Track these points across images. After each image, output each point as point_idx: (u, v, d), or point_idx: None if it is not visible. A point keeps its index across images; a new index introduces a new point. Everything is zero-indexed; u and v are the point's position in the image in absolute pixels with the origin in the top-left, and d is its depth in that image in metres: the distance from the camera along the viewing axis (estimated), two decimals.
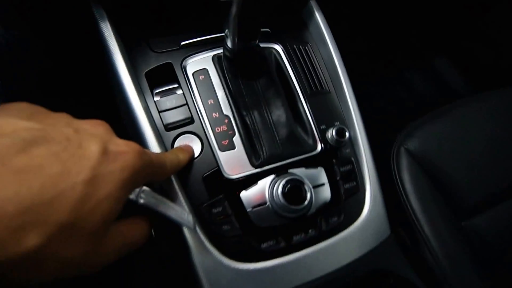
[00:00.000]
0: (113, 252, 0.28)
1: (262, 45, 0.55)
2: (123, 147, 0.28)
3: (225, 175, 0.48)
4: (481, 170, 0.63)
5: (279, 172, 0.50)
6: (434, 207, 0.59)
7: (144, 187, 0.34)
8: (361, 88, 0.59)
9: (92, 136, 0.27)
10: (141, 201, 0.33)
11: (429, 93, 1.18)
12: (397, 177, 0.60)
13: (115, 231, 0.28)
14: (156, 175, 0.35)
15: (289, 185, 0.47)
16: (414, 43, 1.21)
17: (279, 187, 0.47)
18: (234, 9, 0.41)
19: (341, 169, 0.53)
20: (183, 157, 0.43)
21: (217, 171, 0.48)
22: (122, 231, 0.30)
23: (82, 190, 0.24)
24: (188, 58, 0.52)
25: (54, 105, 0.32)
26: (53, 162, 0.23)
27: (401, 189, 0.59)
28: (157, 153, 0.35)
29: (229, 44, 0.47)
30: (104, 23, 0.48)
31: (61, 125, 0.27)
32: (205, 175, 0.48)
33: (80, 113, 0.33)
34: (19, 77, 0.57)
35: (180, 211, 0.39)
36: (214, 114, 0.50)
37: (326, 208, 0.50)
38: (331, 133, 0.52)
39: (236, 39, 0.46)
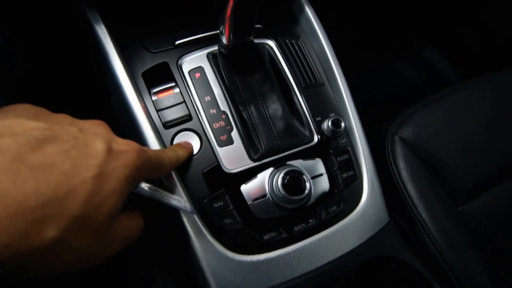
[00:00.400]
0: (117, 243, 0.30)
1: (255, 41, 0.56)
2: (124, 145, 0.30)
3: (225, 169, 0.49)
4: (475, 154, 0.64)
5: (277, 165, 0.50)
6: (430, 193, 0.60)
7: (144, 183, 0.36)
8: (352, 79, 0.60)
9: (96, 135, 0.29)
10: (146, 193, 0.36)
11: (420, 82, 1.19)
12: (393, 165, 0.61)
13: (118, 223, 0.30)
14: (155, 171, 0.37)
15: (288, 176, 0.48)
16: (404, 32, 1.22)
17: (279, 179, 0.48)
18: (229, 5, 0.41)
19: (338, 159, 0.54)
20: (182, 153, 0.44)
21: (217, 166, 0.49)
22: (123, 224, 0.32)
23: (91, 185, 0.25)
24: (183, 56, 0.52)
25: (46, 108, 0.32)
26: (64, 159, 0.24)
27: (397, 176, 0.60)
28: (155, 151, 0.37)
29: (224, 40, 0.48)
30: (99, 26, 0.49)
31: (66, 124, 0.29)
32: (205, 170, 0.48)
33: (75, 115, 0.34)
34: (7, 81, 0.57)
35: (178, 199, 0.41)
36: (211, 110, 0.51)
37: (325, 198, 0.51)
38: (327, 124, 0.53)
39: (231, 36, 0.46)
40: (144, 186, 0.37)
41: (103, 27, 0.49)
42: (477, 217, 0.61)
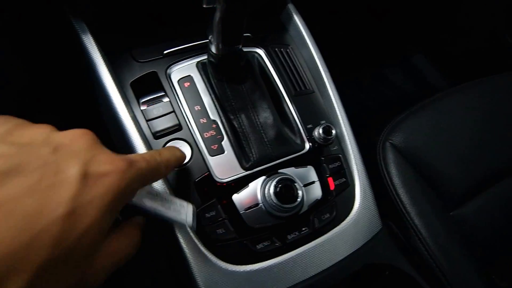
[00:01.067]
0: (103, 273, 0.27)
1: (244, 49, 0.56)
2: (106, 165, 0.26)
3: (216, 179, 0.48)
4: (466, 159, 0.65)
5: (269, 173, 0.50)
6: (423, 199, 0.60)
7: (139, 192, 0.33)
8: (342, 86, 0.60)
9: (71, 155, 0.25)
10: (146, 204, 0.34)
11: (409, 89, 1.21)
12: (385, 171, 0.62)
13: (104, 251, 0.27)
14: (149, 180, 0.33)
15: (280, 185, 0.47)
16: (393, 41, 1.25)
17: (271, 187, 0.48)
18: (217, 15, 0.42)
19: (330, 166, 0.54)
20: (180, 154, 0.41)
21: (208, 176, 0.48)
22: (111, 248, 0.28)
23: (62, 225, 0.22)
24: (172, 66, 0.52)
25: (35, 120, 0.31)
26: (29, 197, 0.21)
27: (389, 182, 0.61)
28: (148, 156, 0.32)
29: (213, 49, 0.48)
30: (86, 36, 0.48)
31: (39, 143, 0.25)
32: (196, 180, 0.48)
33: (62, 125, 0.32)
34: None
35: (179, 205, 0.39)
36: (201, 119, 0.50)
37: (318, 206, 0.51)
38: (318, 131, 0.53)
39: (220, 45, 0.47)
40: (141, 196, 0.33)
41: (90, 37, 0.48)
42: (469, 221, 0.62)
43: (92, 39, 0.48)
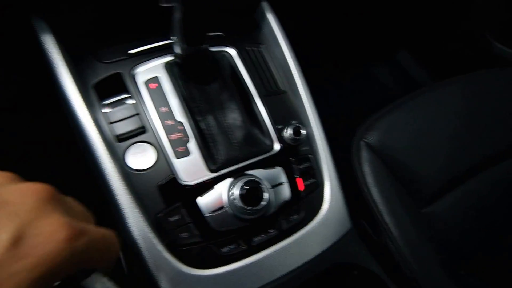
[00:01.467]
0: None
1: (214, 49, 0.55)
2: (46, 233, 0.22)
3: (181, 182, 0.48)
4: (439, 158, 0.65)
5: (236, 175, 0.49)
6: (395, 198, 0.60)
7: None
8: (324, 86, 0.60)
9: (10, 217, 0.22)
10: None
11: (395, 88, 1.21)
12: (358, 170, 0.61)
13: None
14: (99, 260, 0.27)
15: (245, 187, 0.47)
16: (376, 39, 1.23)
17: (236, 190, 0.47)
18: (178, 14, 0.40)
19: (300, 166, 0.53)
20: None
21: (173, 179, 0.47)
22: None
23: None
24: (137, 66, 0.51)
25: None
26: None
27: (363, 181, 0.60)
28: (108, 233, 0.28)
29: (177, 49, 0.47)
30: (45, 36, 0.46)
31: None
32: (160, 183, 0.47)
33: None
34: None
35: None
36: (167, 121, 0.49)
37: (286, 207, 0.51)
38: (288, 132, 0.52)
39: (183, 44, 0.45)
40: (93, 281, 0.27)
41: (50, 37, 0.46)
42: (439, 219, 0.62)
43: (52, 39, 0.46)
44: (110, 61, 0.50)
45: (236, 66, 0.55)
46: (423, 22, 1.16)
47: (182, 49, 0.47)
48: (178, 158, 0.48)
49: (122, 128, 0.47)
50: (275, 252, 0.49)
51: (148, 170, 0.47)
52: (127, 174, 0.46)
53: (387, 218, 0.58)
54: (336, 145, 0.65)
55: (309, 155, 0.55)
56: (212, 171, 0.49)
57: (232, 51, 0.56)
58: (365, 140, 0.64)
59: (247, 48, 0.57)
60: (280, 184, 0.51)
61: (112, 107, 0.48)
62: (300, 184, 0.53)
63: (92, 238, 0.25)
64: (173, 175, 0.47)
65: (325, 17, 1.06)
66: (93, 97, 0.48)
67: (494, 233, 0.64)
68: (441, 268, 0.55)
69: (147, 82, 0.50)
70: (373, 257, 0.53)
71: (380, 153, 0.63)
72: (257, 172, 0.50)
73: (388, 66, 1.23)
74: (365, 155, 0.62)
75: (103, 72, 0.49)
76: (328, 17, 1.07)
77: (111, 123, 0.47)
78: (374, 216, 0.59)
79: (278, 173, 0.52)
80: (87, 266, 0.26)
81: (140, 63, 0.51)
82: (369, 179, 0.61)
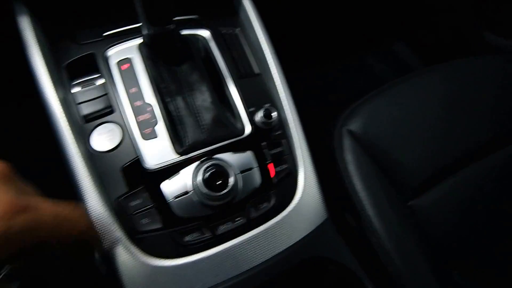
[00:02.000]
0: None
1: (188, 31, 0.54)
2: None
3: (145, 165, 0.45)
4: (424, 147, 0.61)
5: (202, 159, 0.46)
6: (378, 188, 0.56)
7: None
8: (320, 75, 0.57)
9: None
10: None
11: (388, 78, 1.17)
12: (339, 158, 0.58)
13: None
14: (48, 236, 0.28)
15: (210, 171, 0.43)
16: (371, 30, 1.20)
17: (200, 174, 0.44)
18: None
19: (272, 152, 0.50)
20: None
21: (137, 162, 0.45)
22: None
23: None
24: (111, 48, 0.50)
25: None
26: None
27: (344, 170, 0.57)
28: (60, 209, 0.29)
29: (144, 30, 0.46)
30: (22, 18, 0.46)
31: None
32: (124, 166, 0.44)
33: None
34: None
35: None
36: (136, 102, 0.48)
37: (255, 194, 0.47)
38: (259, 115, 0.50)
39: (147, 24, 0.44)
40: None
41: (25, 18, 0.46)
42: (425, 213, 0.58)
43: (27, 21, 0.46)
44: (85, 42, 0.49)
45: (210, 49, 0.53)
46: (415, 12, 1.13)
47: (148, 29, 0.45)
48: (145, 139, 0.46)
49: (89, 108, 0.46)
50: (242, 243, 0.45)
51: (112, 152, 0.45)
52: (91, 155, 0.44)
53: (369, 210, 0.54)
54: (318, 133, 0.62)
55: (282, 140, 0.51)
56: (179, 154, 0.46)
57: (206, 33, 0.54)
58: (347, 127, 0.60)
59: (222, 31, 0.55)
60: (250, 169, 0.48)
61: (82, 87, 0.47)
62: (272, 170, 0.49)
63: (38, 215, 0.26)
64: (137, 156, 0.45)
65: (316, 10, 1.04)
66: (65, 77, 0.47)
67: (484, 229, 0.59)
68: (427, 265, 0.51)
69: (119, 63, 0.49)
70: (351, 252, 0.49)
71: (363, 140, 0.59)
72: (226, 156, 0.47)
73: (383, 57, 1.20)
74: (347, 142, 0.59)
75: (77, 53, 0.49)
76: (319, 10, 1.05)
77: (79, 103, 0.46)
78: (355, 207, 0.55)
79: (248, 157, 0.48)
80: (37, 242, 0.27)
81: (114, 45, 0.50)
82: (351, 167, 0.57)
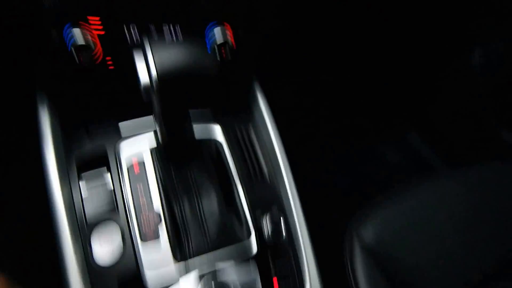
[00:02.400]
0: None
1: (201, 128, 0.54)
2: None
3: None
4: (447, 261, 0.56)
5: (204, 273, 0.44)
6: None
7: None
8: (330, 163, 0.57)
9: None
10: None
11: (403, 169, 1.15)
12: (351, 275, 0.53)
13: None
14: None
15: None
16: (385, 119, 1.23)
17: None
18: (157, 108, 0.41)
19: (277, 263, 0.47)
20: None
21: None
22: None
23: None
24: (123, 140, 0.51)
25: None
26: None
27: None
28: None
29: (159, 138, 0.47)
30: (43, 107, 0.49)
31: None
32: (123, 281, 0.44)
33: None
34: None
35: None
36: (141, 202, 0.47)
37: None
38: (266, 222, 0.48)
39: (163, 135, 0.46)
40: None
41: (46, 108, 0.48)
42: None
43: (47, 110, 0.48)
44: (97, 134, 0.52)
45: (223, 152, 0.54)
46: (431, 103, 1.15)
47: (162, 138, 0.47)
48: (144, 240, 0.45)
49: (93, 204, 0.47)
50: None
51: (112, 266, 0.45)
52: (91, 269, 0.44)
53: None
54: (328, 231, 0.59)
55: (290, 252, 0.48)
56: (178, 260, 0.44)
57: (218, 131, 0.55)
58: (359, 238, 0.57)
59: (235, 127, 0.57)
60: (253, 281, 0.44)
61: (88, 180, 0.48)
62: (275, 285, 0.46)
63: None
64: (138, 271, 0.44)
65: (326, 96, 1.08)
66: (74, 167, 0.49)
67: None
68: None
69: (128, 158, 0.50)
70: None
71: (376, 254, 0.55)
72: (228, 268, 0.45)
73: (396, 146, 1.20)
74: (358, 259, 0.55)
75: (89, 144, 0.51)
76: (330, 95, 1.10)
77: (83, 199, 0.47)
78: None
79: (252, 268, 0.45)
80: None
81: (126, 137, 0.51)
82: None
